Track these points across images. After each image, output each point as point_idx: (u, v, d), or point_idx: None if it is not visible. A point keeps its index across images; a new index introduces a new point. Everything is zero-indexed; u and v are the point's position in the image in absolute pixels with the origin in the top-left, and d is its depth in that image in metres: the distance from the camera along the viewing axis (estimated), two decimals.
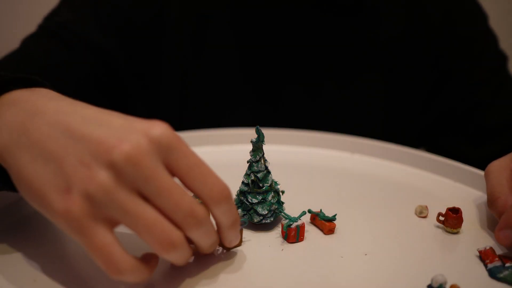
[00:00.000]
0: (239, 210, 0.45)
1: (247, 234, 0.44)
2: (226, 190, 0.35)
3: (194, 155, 0.34)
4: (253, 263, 0.41)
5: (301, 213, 0.44)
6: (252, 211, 0.44)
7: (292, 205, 0.48)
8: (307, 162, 0.63)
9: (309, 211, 0.46)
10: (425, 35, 0.77)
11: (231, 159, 0.63)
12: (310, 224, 0.47)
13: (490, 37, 0.80)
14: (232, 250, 0.42)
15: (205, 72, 0.76)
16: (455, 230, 0.45)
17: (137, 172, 0.31)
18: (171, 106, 0.77)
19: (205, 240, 0.35)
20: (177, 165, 0.33)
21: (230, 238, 0.38)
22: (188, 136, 0.67)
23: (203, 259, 0.41)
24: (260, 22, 0.75)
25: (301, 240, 0.44)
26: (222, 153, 0.66)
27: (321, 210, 0.46)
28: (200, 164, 0.34)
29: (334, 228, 0.45)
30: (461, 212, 0.45)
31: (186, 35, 0.74)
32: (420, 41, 0.78)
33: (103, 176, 0.31)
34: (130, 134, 0.32)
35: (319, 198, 0.53)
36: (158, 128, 0.33)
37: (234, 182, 0.48)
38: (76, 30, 0.68)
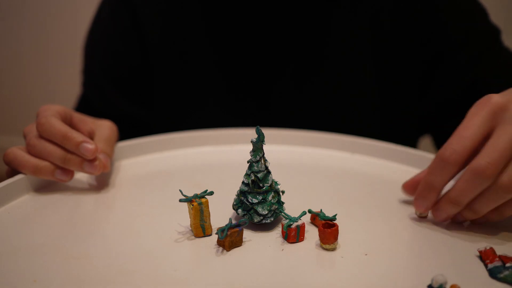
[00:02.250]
0: (239, 210, 0.45)
1: (247, 234, 0.44)
2: None
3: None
4: (253, 263, 0.41)
5: (301, 213, 0.44)
6: (252, 211, 0.44)
7: (292, 205, 0.48)
8: (307, 162, 0.63)
9: (309, 211, 0.46)
10: (412, 17, 0.75)
11: (231, 159, 0.63)
12: (310, 224, 0.47)
13: (478, 11, 0.77)
14: (232, 250, 0.42)
15: (186, 75, 0.79)
16: (328, 246, 0.42)
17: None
18: (167, 110, 0.81)
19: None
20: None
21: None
22: (189, 136, 0.67)
23: (202, 259, 0.41)
24: (236, 19, 0.76)
25: (301, 240, 0.44)
26: (222, 153, 0.66)
27: (321, 210, 0.46)
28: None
29: None
30: (337, 227, 0.42)
31: (167, 47, 0.78)
32: (408, 24, 0.75)
33: None
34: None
35: (319, 198, 0.53)
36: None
37: (234, 182, 0.48)
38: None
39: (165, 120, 0.80)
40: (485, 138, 0.43)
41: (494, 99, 0.44)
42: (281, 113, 0.78)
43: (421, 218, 0.48)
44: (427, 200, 0.46)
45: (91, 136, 0.57)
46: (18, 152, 0.52)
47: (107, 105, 0.81)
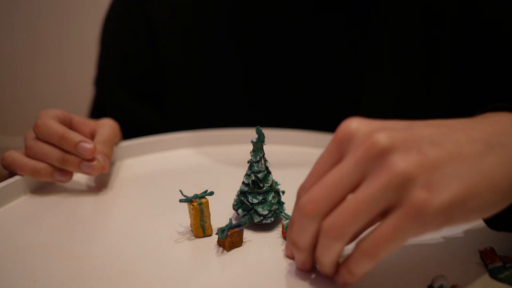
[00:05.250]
0: (240, 210, 0.45)
1: (247, 234, 0.44)
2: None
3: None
4: (253, 263, 0.40)
5: None
6: (252, 211, 0.44)
7: (292, 205, 0.48)
8: (307, 162, 0.63)
9: None
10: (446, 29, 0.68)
11: (231, 159, 0.63)
12: None
13: None
14: (232, 250, 0.42)
15: (201, 79, 0.76)
16: None
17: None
18: (180, 109, 0.78)
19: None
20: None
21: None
22: (189, 136, 0.67)
23: (202, 259, 0.41)
24: (262, 23, 0.73)
25: None
26: (222, 153, 0.66)
27: None
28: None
29: None
30: None
31: (184, 48, 0.75)
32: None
33: None
34: None
35: None
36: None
37: (234, 182, 0.48)
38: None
39: (177, 125, 0.75)
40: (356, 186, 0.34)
41: (377, 139, 0.33)
42: (301, 117, 0.73)
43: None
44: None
45: (93, 137, 0.57)
46: (16, 155, 0.52)
47: (118, 108, 0.79)
